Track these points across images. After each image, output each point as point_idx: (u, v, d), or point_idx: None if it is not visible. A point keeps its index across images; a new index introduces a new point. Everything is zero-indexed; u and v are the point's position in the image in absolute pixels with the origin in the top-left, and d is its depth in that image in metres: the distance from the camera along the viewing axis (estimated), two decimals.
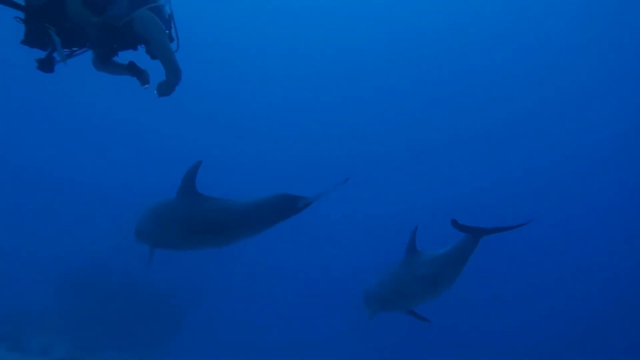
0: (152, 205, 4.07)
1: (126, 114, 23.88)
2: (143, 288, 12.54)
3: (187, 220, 3.83)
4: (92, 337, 10.82)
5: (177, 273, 12.80)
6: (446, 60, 26.16)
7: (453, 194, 23.72)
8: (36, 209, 20.65)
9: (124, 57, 3.18)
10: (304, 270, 18.10)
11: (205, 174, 4.08)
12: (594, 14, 22.19)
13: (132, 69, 3.07)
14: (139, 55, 3.05)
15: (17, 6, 2.68)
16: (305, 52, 26.64)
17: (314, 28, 25.70)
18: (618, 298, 18.19)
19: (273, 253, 16.12)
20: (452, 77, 26.47)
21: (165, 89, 2.89)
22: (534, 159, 25.59)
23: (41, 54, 2.86)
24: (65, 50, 2.84)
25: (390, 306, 5.46)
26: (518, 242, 17.93)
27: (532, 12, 23.45)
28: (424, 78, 26.66)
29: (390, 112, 27.22)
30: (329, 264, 18.84)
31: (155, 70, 3.05)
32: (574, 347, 15.24)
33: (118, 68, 3.16)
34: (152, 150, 25.03)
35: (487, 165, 25.70)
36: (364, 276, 5.68)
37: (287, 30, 25.62)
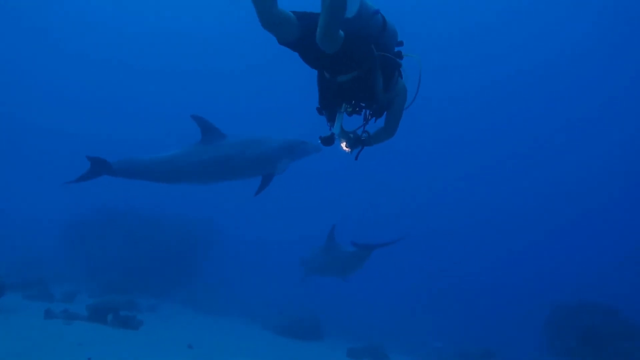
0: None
1: None
2: (154, 230, 12.83)
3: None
4: (110, 282, 11.12)
5: (189, 215, 13.08)
6: None
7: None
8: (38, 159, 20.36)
9: None
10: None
11: None
12: None
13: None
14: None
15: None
16: None
17: None
18: None
19: None
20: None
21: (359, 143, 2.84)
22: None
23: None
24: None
25: (316, 274, 9.65)
26: None
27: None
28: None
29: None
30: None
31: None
32: None
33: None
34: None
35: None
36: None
37: None
